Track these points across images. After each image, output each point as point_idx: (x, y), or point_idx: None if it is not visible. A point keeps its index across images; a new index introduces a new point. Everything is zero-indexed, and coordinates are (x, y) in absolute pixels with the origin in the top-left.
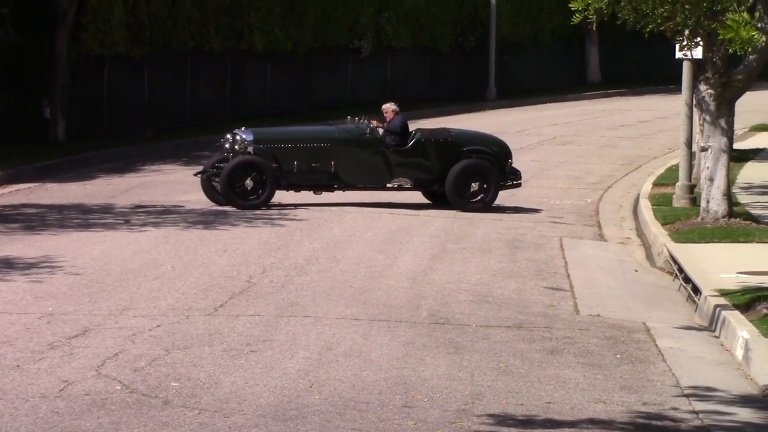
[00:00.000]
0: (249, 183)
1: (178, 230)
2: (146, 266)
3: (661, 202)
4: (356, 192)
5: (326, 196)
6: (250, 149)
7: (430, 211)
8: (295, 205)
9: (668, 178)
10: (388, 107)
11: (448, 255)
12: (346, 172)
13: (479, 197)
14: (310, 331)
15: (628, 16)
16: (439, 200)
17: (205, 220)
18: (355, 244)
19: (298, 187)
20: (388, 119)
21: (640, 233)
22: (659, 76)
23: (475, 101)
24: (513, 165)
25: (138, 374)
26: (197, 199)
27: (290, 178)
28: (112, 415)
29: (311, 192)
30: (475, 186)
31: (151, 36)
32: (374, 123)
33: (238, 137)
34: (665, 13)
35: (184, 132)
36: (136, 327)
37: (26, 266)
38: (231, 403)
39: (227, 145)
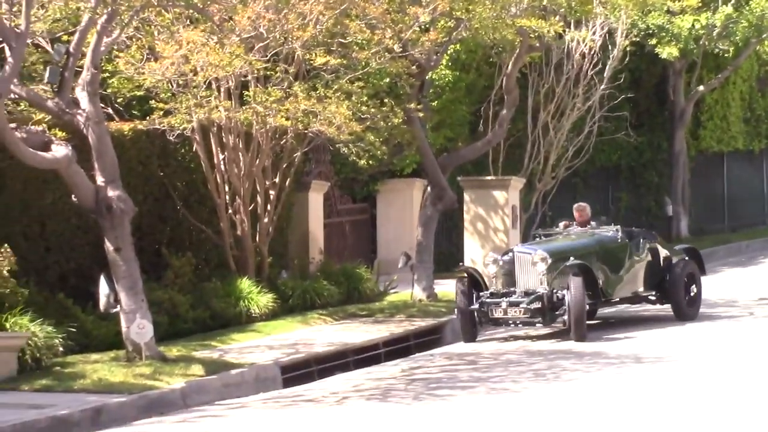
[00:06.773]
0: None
1: None
2: None
3: None
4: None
5: None
6: (548, 264)
7: None
8: None
9: None
10: (585, 206)
11: None
12: (610, 283)
13: (689, 297)
14: None
15: None
16: None
17: None
18: None
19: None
20: (580, 219)
21: None
22: None
23: None
24: None
25: None
26: None
27: None
28: None
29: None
30: (693, 289)
31: (767, 129)
32: (565, 222)
33: (532, 252)
34: None
35: None
36: None
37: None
38: None
39: (494, 269)
